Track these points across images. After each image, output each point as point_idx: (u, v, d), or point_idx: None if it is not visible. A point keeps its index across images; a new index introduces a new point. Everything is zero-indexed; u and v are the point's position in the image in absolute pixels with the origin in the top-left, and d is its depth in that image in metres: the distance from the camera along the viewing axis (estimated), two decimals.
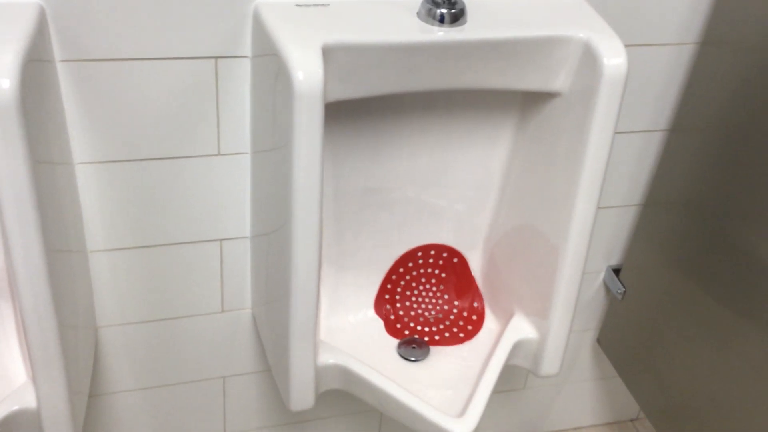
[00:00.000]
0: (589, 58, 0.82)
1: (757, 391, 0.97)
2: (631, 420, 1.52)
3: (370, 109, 0.90)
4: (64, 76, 0.85)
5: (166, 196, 0.97)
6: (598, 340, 1.34)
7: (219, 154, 0.95)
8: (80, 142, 0.90)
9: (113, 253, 0.99)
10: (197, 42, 0.87)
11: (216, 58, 0.88)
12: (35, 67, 0.73)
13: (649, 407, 1.21)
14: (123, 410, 1.15)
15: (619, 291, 1.23)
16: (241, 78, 0.91)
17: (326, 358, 0.90)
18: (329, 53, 0.75)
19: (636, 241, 1.21)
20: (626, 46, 0.82)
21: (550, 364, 0.98)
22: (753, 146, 0.95)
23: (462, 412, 0.88)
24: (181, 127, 0.92)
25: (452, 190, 1.00)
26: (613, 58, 0.81)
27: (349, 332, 1.00)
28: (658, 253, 1.15)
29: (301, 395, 0.90)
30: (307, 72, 0.72)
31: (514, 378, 1.36)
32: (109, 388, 1.12)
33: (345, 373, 0.91)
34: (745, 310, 0.98)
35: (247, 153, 0.96)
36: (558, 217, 0.90)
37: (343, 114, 0.89)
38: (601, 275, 1.26)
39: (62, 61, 0.84)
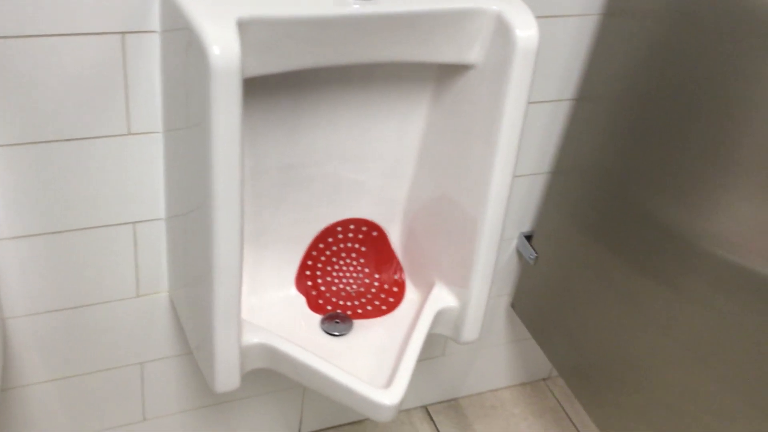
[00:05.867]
0: (501, 30, 0.84)
1: (662, 347, 1.03)
2: (543, 379, 1.58)
3: (287, 84, 0.89)
4: None
5: (74, 179, 0.93)
6: (512, 305, 1.38)
7: (129, 133, 0.92)
8: None
9: (19, 240, 0.95)
10: (103, 17, 0.83)
11: (123, 33, 0.85)
12: None
13: (561, 366, 1.26)
14: (37, 403, 1.11)
15: (532, 257, 1.27)
16: (150, 54, 0.87)
17: (250, 338, 0.89)
18: (244, 27, 0.73)
19: (546, 208, 1.24)
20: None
21: (470, 331, 1.00)
22: (655, 114, 0.99)
23: (388, 383, 0.89)
24: (89, 107, 0.88)
25: (370, 164, 1.00)
26: (525, 29, 0.83)
27: (271, 310, 1.00)
28: (568, 218, 1.19)
29: (226, 376, 0.89)
30: (223, 47, 0.70)
31: (433, 346, 1.39)
32: (20, 380, 1.07)
33: (270, 352, 0.90)
34: (651, 271, 1.03)
35: (159, 132, 0.93)
36: (475, 188, 0.91)
37: (259, 90, 0.87)
38: (514, 242, 1.30)
39: None
